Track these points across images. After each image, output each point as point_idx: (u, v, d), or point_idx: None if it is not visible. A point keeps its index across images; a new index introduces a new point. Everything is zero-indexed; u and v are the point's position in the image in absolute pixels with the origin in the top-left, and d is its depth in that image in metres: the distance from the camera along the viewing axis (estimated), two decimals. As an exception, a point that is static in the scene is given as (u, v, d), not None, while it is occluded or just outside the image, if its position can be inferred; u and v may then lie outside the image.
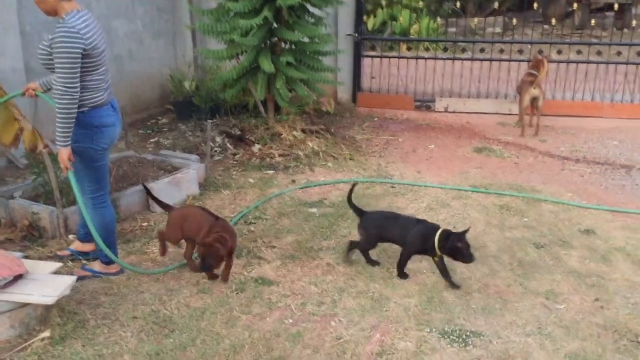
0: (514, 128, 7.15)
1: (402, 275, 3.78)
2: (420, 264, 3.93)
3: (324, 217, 4.65)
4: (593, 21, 8.00)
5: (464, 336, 3.18)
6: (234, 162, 5.84)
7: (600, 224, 4.59)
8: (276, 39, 6.19)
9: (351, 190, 4.05)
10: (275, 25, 6.09)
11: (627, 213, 4.78)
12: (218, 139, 6.22)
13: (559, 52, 7.68)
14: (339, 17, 7.60)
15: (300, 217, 4.67)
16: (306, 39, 6.22)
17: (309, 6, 6.12)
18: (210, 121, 5.61)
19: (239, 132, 6.32)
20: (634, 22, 7.40)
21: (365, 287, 3.66)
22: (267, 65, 5.82)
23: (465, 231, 3.58)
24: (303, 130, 6.38)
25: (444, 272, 3.69)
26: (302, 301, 3.51)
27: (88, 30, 3.29)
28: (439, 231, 3.62)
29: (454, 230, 3.67)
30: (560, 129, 7.12)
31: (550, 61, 7.15)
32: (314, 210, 4.81)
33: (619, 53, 7.42)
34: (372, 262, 3.93)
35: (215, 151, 6.04)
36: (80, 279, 3.58)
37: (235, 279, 3.71)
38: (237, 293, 3.56)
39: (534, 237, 4.36)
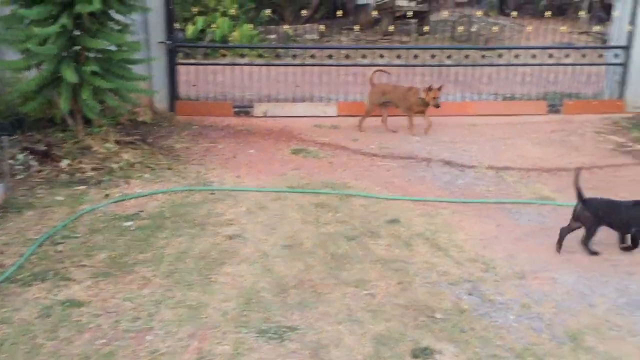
0: (329, 129, 7.52)
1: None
2: (239, 267, 3.99)
3: (140, 230, 4.51)
4: (391, 27, 8.65)
5: (280, 332, 3.28)
6: (40, 180, 5.42)
7: (404, 213, 4.99)
8: (80, 47, 5.87)
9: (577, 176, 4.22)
10: (77, 32, 5.77)
11: (426, 201, 5.26)
12: (20, 156, 5.72)
13: (364, 56, 8.24)
14: (149, 25, 7.40)
15: (114, 232, 4.48)
16: (113, 47, 5.99)
17: (112, 13, 5.89)
18: (11, 137, 5.17)
19: (44, 148, 5.89)
20: (426, 28, 8.17)
21: (183, 297, 3.62)
22: (70, 75, 5.49)
23: None
24: (117, 142, 6.13)
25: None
26: (115, 319, 3.37)
27: None
28: None
29: None
30: (371, 129, 7.60)
31: (355, 65, 7.62)
32: (129, 223, 4.64)
33: (415, 56, 8.15)
34: (592, 251, 4.22)
35: (17, 169, 5.56)
36: None
37: (40, 304, 3.46)
38: (42, 319, 3.33)
39: (346, 230, 4.63)
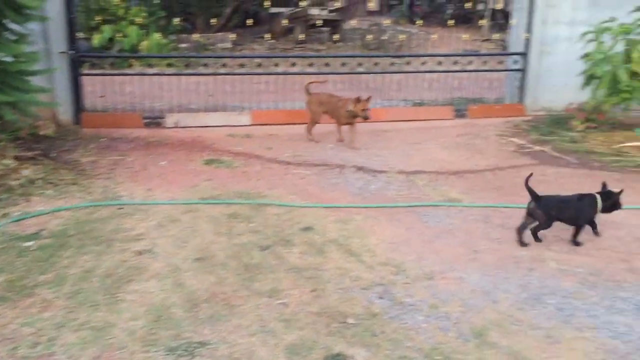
0: (242, 138, 7.46)
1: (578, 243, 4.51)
2: (148, 284, 3.87)
3: (42, 250, 4.29)
4: (302, 35, 8.73)
5: (190, 349, 3.20)
6: None
7: (318, 221, 5.01)
8: (-28, 58, 5.55)
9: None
10: (-32, 43, 5.45)
11: (339, 208, 5.31)
12: None
13: (276, 65, 8.27)
14: (49, 34, 7.08)
15: (12, 253, 4.23)
16: (9, 58, 5.68)
17: (7, 22, 5.59)
18: None
19: None
20: (335, 37, 8.30)
21: (88, 318, 3.46)
22: (-40, 88, 5.17)
23: (605, 184, 4.54)
24: (17, 158, 5.81)
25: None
26: (12, 346, 3.18)
27: None
28: (597, 197, 4.42)
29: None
30: (285, 136, 7.62)
31: (268, 73, 7.62)
32: (29, 243, 4.40)
33: (327, 64, 8.26)
34: (538, 239, 4.53)
35: None
36: None
37: None
38: None
39: (259, 240, 4.59)
